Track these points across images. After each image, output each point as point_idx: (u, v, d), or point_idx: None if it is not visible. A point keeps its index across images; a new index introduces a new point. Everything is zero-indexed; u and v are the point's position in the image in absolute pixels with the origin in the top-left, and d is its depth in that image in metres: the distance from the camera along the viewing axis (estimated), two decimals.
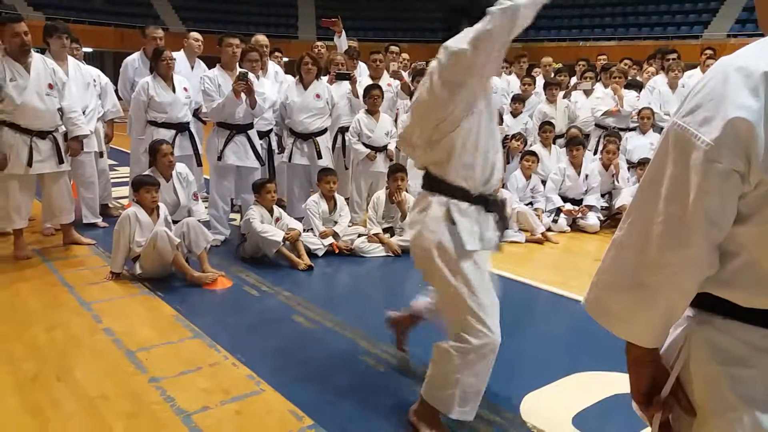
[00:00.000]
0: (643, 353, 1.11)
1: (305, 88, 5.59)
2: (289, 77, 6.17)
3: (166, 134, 5.32)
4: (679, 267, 0.99)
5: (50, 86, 4.58)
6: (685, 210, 0.96)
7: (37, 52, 4.72)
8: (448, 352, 2.33)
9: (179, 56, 6.07)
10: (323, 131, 5.70)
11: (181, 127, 5.48)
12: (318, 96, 5.58)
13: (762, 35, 1.01)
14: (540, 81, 7.53)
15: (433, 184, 2.32)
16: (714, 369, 1.02)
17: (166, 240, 4.09)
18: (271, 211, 4.80)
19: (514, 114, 6.96)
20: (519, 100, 7.02)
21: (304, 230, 4.91)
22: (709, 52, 7.37)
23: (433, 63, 2.21)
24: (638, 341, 1.11)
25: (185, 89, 5.52)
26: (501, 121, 6.35)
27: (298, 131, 5.61)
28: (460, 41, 2.08)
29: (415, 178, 5.55)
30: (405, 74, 6.56)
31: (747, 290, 0.98)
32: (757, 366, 0.98)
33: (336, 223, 5.09)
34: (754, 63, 0.92)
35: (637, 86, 7.15)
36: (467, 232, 2.26)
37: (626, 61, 8.13)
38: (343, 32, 7.35)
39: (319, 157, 5.61)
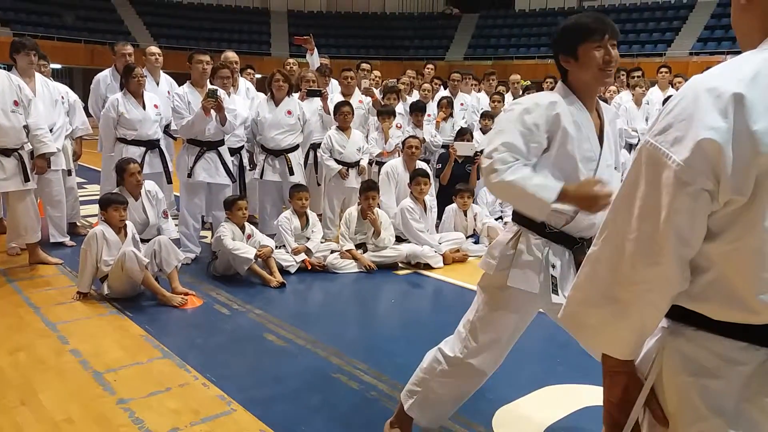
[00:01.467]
0: (618, 364, 1.13)
1: (276, 104, 5.59)
2: (261, 94, 6.17)
3: (136, 151, 5.26)
4: (652, 284, 1.01)
5: (15, 103, 4.51)
6: (657, 228, 0.98)
7: (4, 68, 4.65)
8: (433, 354, 2.37)
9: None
10: (295, 147, 5.70)
11: (151, 145, 5.42)
12: (289, 112, 5.59)
13: (719, 53, 1.01)
14: (509, 98, 7.65)
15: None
16: (685, 380, 1.03)
17: (134, 260, 4.02)
18: (242, 228, 4.76)
19: (484, 131, 7.04)
20: (488, 116, 7.11)
21: (276, 247, 4.88)
22: (664, 69, 7.65)
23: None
24: (613, 353, 1.12)
25: (156, 106, 5.47)
26: (471, 137, 6.44)
27: (270, 147, 5.60)
28: None
29: (386, 194, 5.59)
30: (376, 91, 6.62)
31: (717, 304, 1.00)
32: (726, 377, 0.99)
33: (308, 239, 5.08)
34: (723, 84, 0.94)
35: (603, 101, 7.31)
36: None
37: None
38: (315, 50, 7.39)
39: (291, 173, 5.60)
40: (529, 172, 1.97)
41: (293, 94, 5.72)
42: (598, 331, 1.12)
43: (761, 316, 0.96)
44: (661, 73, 7.60)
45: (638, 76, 7.36)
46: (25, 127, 4.60)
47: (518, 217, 2.17)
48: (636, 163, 1.02)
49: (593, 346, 1.16)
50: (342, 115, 5.71)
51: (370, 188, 5.17)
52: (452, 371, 2.29)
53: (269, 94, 5.65)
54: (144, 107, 5.36)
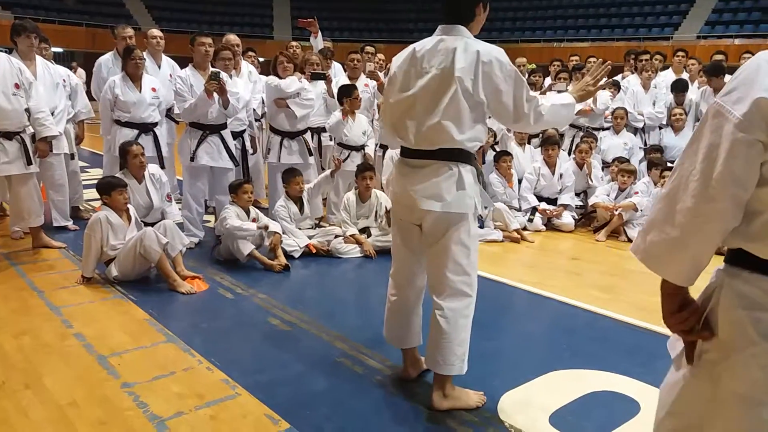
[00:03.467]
0: (674, 289, 1.32)
1: None
2: (264, 77, 6.11)
3: (129, 134, 5.22)
4: (709, 217, 1.20)
5: (16, 86, 4.48)
6: (716, 169, 1.16)
7: (5, 51, 4.61)
8: (458, 312, 2.53)
9: (145, 56, 5.97)
10: (307, 129, 5.67)
11: (145, 128, 5.36)
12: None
13: (728, 36, 1.12)
14: None
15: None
16: (740, 313, 1.22)
17: (154, 239, 4.00)
18: (247, 212, 4.74)
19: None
20: None
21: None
22: (681, 53, 7.56)
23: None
24: (671, 279, 1.31)
25: (153, 89, 5.42)
26: None
27: (285, 130, 5.54)
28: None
29: (387, 175, 5.55)
30: (381, 74, 6.55)
31: (767, 244, 1.18)
32: None
33: (318, 224, 5.04)
34: None
35: (615, 85, 7.22)
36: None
37: (591, 59, 8.26)
38: (319, 33, 7.31)
39: (311, 154, 5.60)
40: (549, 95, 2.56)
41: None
42: (662, 260, 1.30)
43: None
44: (678, 56, 7.52)
45: (646, 60, 7.27)
46: (27, 110, 4.57)
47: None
48: (704, 118, 1.22)
49: (655, 272, 1.33)
50: (354, 99, 5.64)
51: (366, 169, 5.14)
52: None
53: (275, 76, 5.58)
54: (140, 90, 5.31)
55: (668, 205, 1.27)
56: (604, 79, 2.67)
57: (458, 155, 2.50)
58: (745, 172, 1.15)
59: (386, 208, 5.16)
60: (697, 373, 1.33)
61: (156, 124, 5.49)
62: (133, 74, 5.29)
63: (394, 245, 2.80)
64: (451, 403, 2.62)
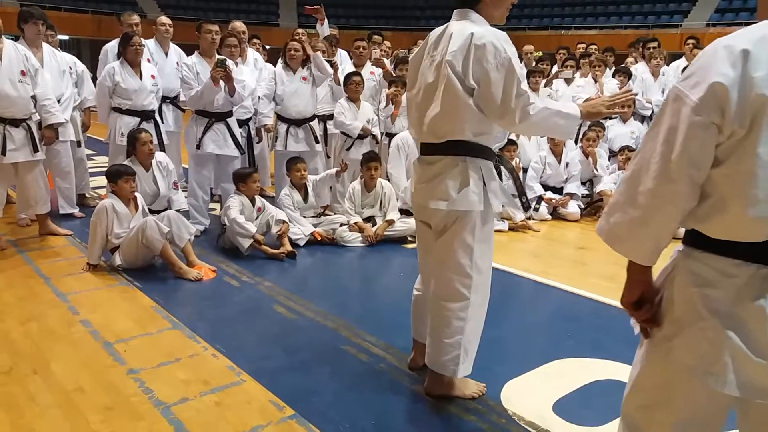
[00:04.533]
0: (638, 270, 1.39)
1: (294, 73, 5.49)
2: (270, 65, 6.09)
3: (130, 122, 5.20)
4: (667, 198, 1.26)
5: (23, 73, 4.48)
6: (674, 151, 1.23)
7: (11, 39, 4.61)
8: (453, 313, 2.48)
9: (151, 43, 5.96)
10: (314, 117, 5.65)
11: (146, 115, 5.33)
12: (304, 79, 5.53)
13: (737, 24, 1.15)
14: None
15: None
16: (691, 290, 1.30)
17: (155, 229, 4.01)
18: (253, 201, 4.74)
19: None
20: None
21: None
22: (692, 41, 7.47)
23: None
24: (634, 258, 1.38)
25: (152, 77, 5.40)
26: None
27: (293, 117, 5.52)
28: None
29: (397, 167, 5.54)
30: (387, 62, 6.51)
31: (717, 223, 1.26)
32: (723, 287, 1.25)
33: (323, 213, 5.06)
34: (736, 42, 1.19)
35: (626, 73, 7.15)
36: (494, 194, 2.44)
37: (591, 46, 8.22)
38: (326, 20, 7.27)
39: (317, 141, 5.60)
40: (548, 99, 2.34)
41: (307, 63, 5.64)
42: (624, 240, 1.37)
43: (750, 233, 1.21)
44: (688, 45, 7.45)
45: (654, 47, 7.20)
46: (33, 97, 4.57)
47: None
48: (665, 103, 1.28)
49: (619, 251, 1.40)
50: (353, 85, 5.63)
51: (371, 159, 5.13)
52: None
53: (283, 63, 5.53)
54: (141, 77, 5.29)
55: (631, 187, 1.33)
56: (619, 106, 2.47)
57: (466, 149, 2.37)
58: (701, 153, 1.21)
59: (392, 197, 5.16)
60: (654, 349, 1.41)
61: (155, 111, 5.46)
62: (132, 61, 5.25)
63: (417, 244, 2.78)
64: (445, 390, 2.61)
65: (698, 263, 1.30)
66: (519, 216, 5.62)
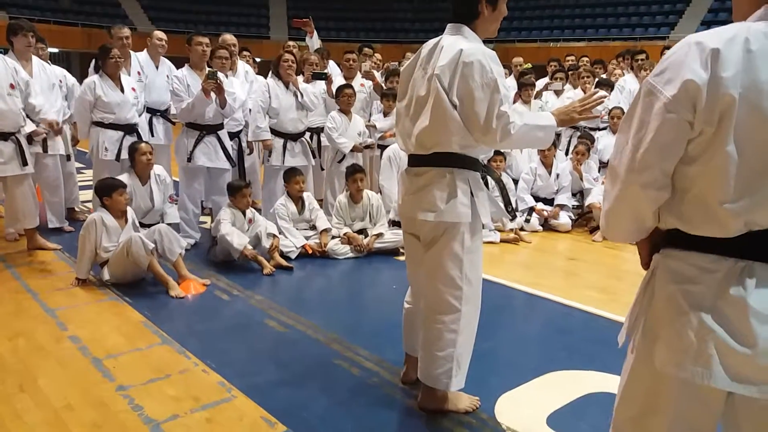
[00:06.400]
0: (641, 243, 1.46)
1: (286, 87, 5.44)
2: (261, 78, 6.08)
3: (114, 135, 5.16)
4: (639, 185, 1.30)
5: (12, 86, 4.45)
6: (646, 142, 1.27)
7: (1, 52, 4.58)
8: (444, 325, 2.46)
9: (142, 56, 5.95)
10: (306, 131, 5.64)
11: (129, 129, 5.29)
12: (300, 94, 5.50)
13: None
14: (511, 81, 7.57)
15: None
16: (672, 288, 1.33)
17: (140, 246, 3.98)
18: (244, 213, 4.72)
19: None
20: None
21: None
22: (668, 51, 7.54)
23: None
24: (623, 241, 1.50)
25: (133, 89, 5.37)
26: None
27: (289, 131, 5.46)
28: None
29: (388, 179, 5.54)
30: (377, 74, 6.54)
31: (695, 219, 1.29)
32: (703, 282, 1.28)
33: (313, 227, 5.06)
34: (708, 40, 1.21)
35: (608, 85, 7.24)
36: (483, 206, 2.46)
37: (583, 58, 8.28)
38: (315, 32, 7.30)
39: (314, 155, 5.60)
40: (522, 112, 2.36)
41: (298, 76, 5.63)
42: (610, 228, 1.45)
43: (725, 228, 1.24)
44: (665, 54, 7.52)
45: (642, 59, 7.26)
46: (23, 109, 4.54)
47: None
48: (637, 96, 1.31)
49: (612, 239, 1.49)
50: (345, 97, 5.64)
51: (355, 171, 5.13)
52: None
53: (276, 77, 5.45)
54: (123, 91, 5.23)
55: (610, 177, 1.40)
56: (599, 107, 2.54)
57: (453, 160, 2.39)
58: (671, 147, 1.26)
59: (380, 209, 5.17)
60: (639, 357, 1.42)
61: (137, 124, 5.42)
62: (113, 74, 5.19)
63: (405, 256, 2.78)
64: (438, 405, 2.59)
65: (678, 261, 1.33)
66: (509, 224, 5.64)
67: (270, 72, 5.55)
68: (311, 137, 5.97)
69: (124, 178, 4.46)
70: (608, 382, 2.84)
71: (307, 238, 5.01)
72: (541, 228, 5.98)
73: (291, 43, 6.91)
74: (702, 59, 1.20)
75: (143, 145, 4.59)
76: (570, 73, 7.46)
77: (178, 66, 5.38)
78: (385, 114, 6.08)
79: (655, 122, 1.25)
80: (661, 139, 1.25)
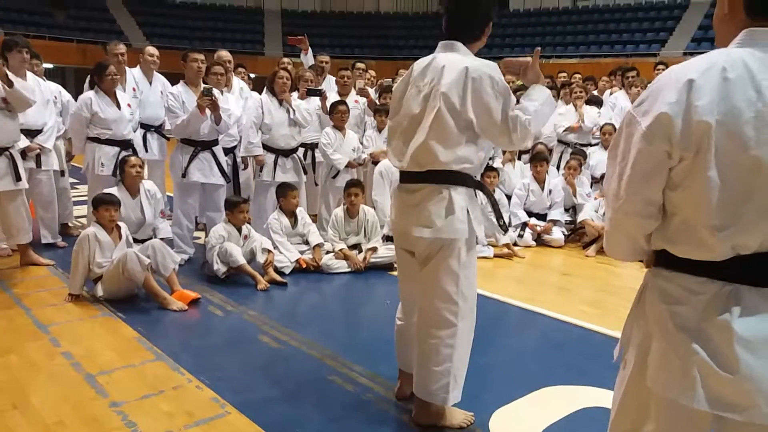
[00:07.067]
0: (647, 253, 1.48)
1: (280, 103, 5.46)
2: (255, 94, 6.11)
3: (110, 151, 5.14)
4: (629, 210, 1.34)
5: (5, 101, 4.46)
6: (625, 174, 1.32)
7: None
8: (441, 340, 2.47)
9: (136, 72, 5.97)
10: (299, 147, 5.66)
11: (125, 144, 5.27)
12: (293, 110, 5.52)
13: None
14: None
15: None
16: (661, 307, 1.35)
17: (136, 261, 3.97)
18: (239, 230, 4.73)
19: None
20: None
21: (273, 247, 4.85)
22: (661, 67, 7.64)
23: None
24: (623, 259, 1.54)
25: (129, 105, 5.37)
26: None
27: (281, 147, 5.47)
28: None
29: (381, 194, 5.56)
30: (371, 91, 6.59)
31: (683, 242, 1.31)
32: (690, 304, 1.30)
33: (305, 241, 5.04)
34: (685, 72, 1.25)
35: (598, 102, 7.32)
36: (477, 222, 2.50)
37: (576, 75, 8.37)
38: (310, 50, 7.35)
39: (305, 171, 5.61)
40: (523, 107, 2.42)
41: (293, 93, 5.66)
42: (610, 248, 1.50)
43: (712, 252, 1.26)
44: (658, 70, 7.61)
45: (633, 76, 7.35)
46: (22, 126, 4.56)
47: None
48: (621, 125, 1.36)
49: (612, 257, 1.54)
50: (339, 114, 5.68)
51: (352, 185, 5.16)
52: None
53: (270, 93, 5.47)
54: (119, 107, 5.22)
55: (605, 202, 1.49)
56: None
57: (449, 177, 2.41)
58: (651, 176, 1.29)
59: (375, 224, 5.18)
60: (633, 369, 1.44)
61: (132, 140, 5.42)
62: (109, 90, 5.18)
63: (398, 272, 2.78)
64: (433, 420, 2.59)
65: (666, 282, 1.36)
66: (502, 239, 5.65)
67: (264, 88, 5.58)
68: (305, 153, 5.99)
69: (113, 191, 4.45)
70: (602, 397, 2.84)
71: (300, 252, 5.01)
72: (534, 243, 6.01)
73: (286, 60, 6.96)
74: (677, 90, 1.23)
75: (132, 158, 4.60)
76: (562, 89, 7.53)
77: (174, 82, 5.40)
78: (379, 130, 6.11)
79: (635, 151, 1.29)
80: (640, 168, 1.29)
